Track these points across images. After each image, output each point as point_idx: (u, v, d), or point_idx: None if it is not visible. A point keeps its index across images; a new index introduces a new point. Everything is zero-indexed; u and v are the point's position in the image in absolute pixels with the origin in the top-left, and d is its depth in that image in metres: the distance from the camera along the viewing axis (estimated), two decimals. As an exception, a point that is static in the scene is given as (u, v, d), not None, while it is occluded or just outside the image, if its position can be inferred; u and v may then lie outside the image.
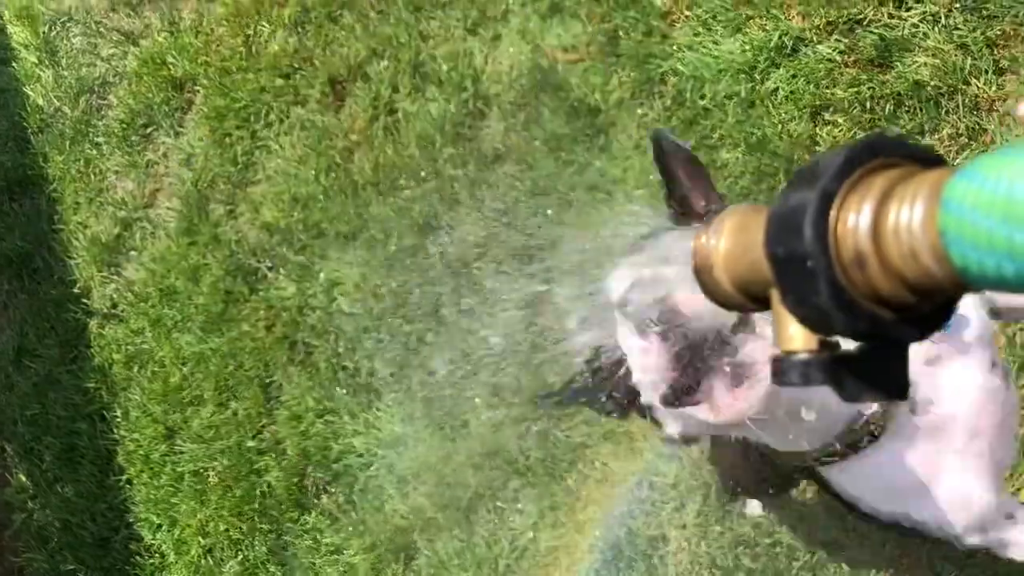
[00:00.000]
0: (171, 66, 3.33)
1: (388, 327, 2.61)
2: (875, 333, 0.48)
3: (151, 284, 3.15)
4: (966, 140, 2.09)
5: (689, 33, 2.43)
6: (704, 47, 2.39)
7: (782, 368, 0.53)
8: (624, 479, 2.24)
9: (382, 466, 2.54)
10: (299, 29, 3.07)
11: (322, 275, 2.77)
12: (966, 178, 0.40)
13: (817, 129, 2.20)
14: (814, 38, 2.27)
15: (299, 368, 2.76)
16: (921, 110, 2.12)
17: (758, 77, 2.30)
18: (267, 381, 2.82)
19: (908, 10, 2.21)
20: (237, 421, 2.85)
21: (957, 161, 2.06)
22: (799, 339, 0.52)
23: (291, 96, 3.01)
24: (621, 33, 2.53)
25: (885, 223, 0.44)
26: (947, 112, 2.11)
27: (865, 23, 2.24)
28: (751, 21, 2.37)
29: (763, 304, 0.55)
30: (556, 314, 2.40)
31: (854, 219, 0.45)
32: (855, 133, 2.15)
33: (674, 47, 2.44)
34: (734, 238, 0.57)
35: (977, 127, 2.08)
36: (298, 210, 2.88)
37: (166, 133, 3.31)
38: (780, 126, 2.23)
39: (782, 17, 2.32)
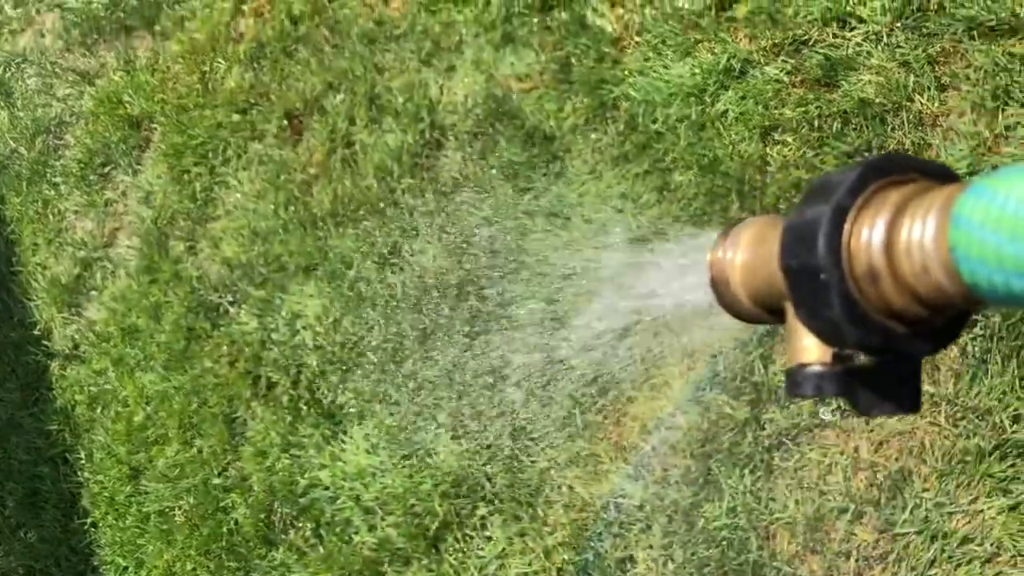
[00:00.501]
0: (127, 104, 3.33)
1: (351, 358, 2.60)
2: (888, 347, 0.48)
3: (112, 324, 3.13)
4: (912, 155, 2.13)
5: (640, 58, 2.47)
6: (655, 72, 2.43)
7: (796, 380, 0.53)
8: (591, 502, 2.25)
9: (349, 498, 2.52)
10: (255, 65, 3.08)
11: (284, 309, 2.77)
12: (975, 194, 0.40)
13: (767, 149, 2.24)
14: (761, 60, 2.31)
15: (263, 403, 2.74)
16: (867, 127, 2.16)
17: (708, 100, 2.33)
18: (231, 417, 2.80)
19: (851, 30, 2.25)
20: (202, 459, 2.83)
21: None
22: (813, 352, 0.52)
23: (248, 131, 3.02)
24: (573, 60, 2.56)
25: (898, 238, 0.45)
26: (892, 128, 2.15)
27: (810, 44, 2.28)
28: (700, 45, 2.40)
29: (779, 317, 0.56)
30: (518, 340, 2.41)
31: (867, 234, 0.46)
32: (804, 152, 2.19)
33: (625, 72, 2.47)
34: (750, 251, 0.57)
35: (922, 142, 2.12)
36: (258, 244, 2.88)
37: (124, 171, 3.30)
38: (731, 147, 2.27)
39: (730, 40, 2.36)
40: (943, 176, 0.48)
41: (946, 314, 0.47)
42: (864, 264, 0.46)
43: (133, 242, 3.19)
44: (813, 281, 0.48)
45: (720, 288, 0.59)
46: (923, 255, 0.43)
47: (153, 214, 3.15)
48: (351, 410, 2.58)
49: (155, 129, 3.28)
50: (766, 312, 0.57)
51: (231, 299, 2.90)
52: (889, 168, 0.48)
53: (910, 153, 2.14)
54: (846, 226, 0.47)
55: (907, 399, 0.52)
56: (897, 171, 0.48)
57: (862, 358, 0.52)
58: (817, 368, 0.52)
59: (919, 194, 0.46)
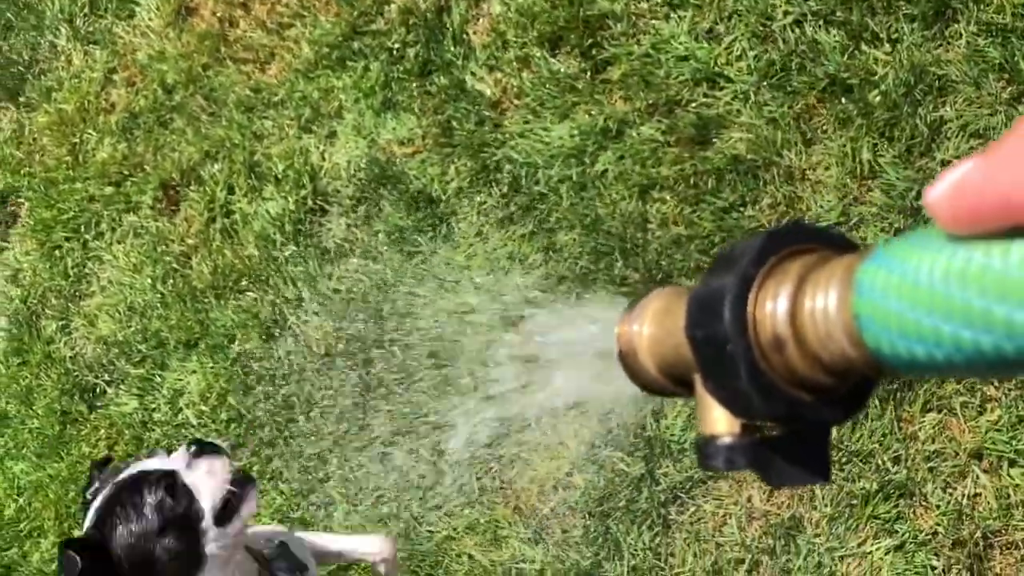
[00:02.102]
0: (-9, 179, 3.18)
1: (237, 435, 2.51)
2: (794, 416, 0.48)
3: (-21, 411, 2.95)
4: (784, 208, 2.20)
5: (520, 121, 2.50)
6: (535, 134, 2.46)
7: (707, 452, 0.52)
8: (492, 570, 2.21)
9: (241, 583, 2.42)
10: (127, 135, 2.99)
11: (165, 387, 2.66)
12: (876, 262, 0.41)
13: (647, 207, 2.28)
14: (637, 120, 2.37)
15: (146, 487, 2.61)
16: (741, 183, 2.23)
17: (588, 160, 2.37)
18: (112, 504, 2.66)
19: (721, 90, 2.33)
20: (81, 550, 2.67)
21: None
22: (723, 423, 0.52)
23: (122, 204, 2.91)
24: (455, 124, 2.57)
25: (802, 307, 0.45)
26: (764, 183, 2.22)
27: (683, 104, 2.35)
28: (577, 107, 2.45)
29: (687, 388, 0.55)
30: (410, 407, 2.37)
31: (772, 304, 0.46)
32: (682, 209, 2.24)
33: (506, 135, 2.50)
34: (657, 322, 0.57)
35: (793, 195, 2.20)
36: (136, 320, 2.77)
37: (-11, 249, 3.15)
38: (612, 206, 2.30)
39: (606, 102, 2.42)
40: (843, 245, 0.49)
41: (851, 382, 0.47)
42: (769, 333, 0.46)
43: (1, 323, 3.03)
44: (720, 351, 0.48)
45: (628, 360, 0.60)
46: (827, 322, 0.44)
47: (22, 293, 3.00)
48: (240, 489, 2.48)
49: (22, 204, 3.14)
50: (675, 384, 0.58)
51: (108, 379, 2.77)
52: (791, 238, 0.49)
53: (799, 216, 2.21)
54: (751, 295, 0.47)
55: (816, 468, 0.51)
56: (799, 240, 0.49)
57: (771, 429, 0.52)
58: (727, 440, 0.52)
59: (821, 263, 0.46)
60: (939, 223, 0.37)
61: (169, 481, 1.33)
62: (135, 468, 1.38)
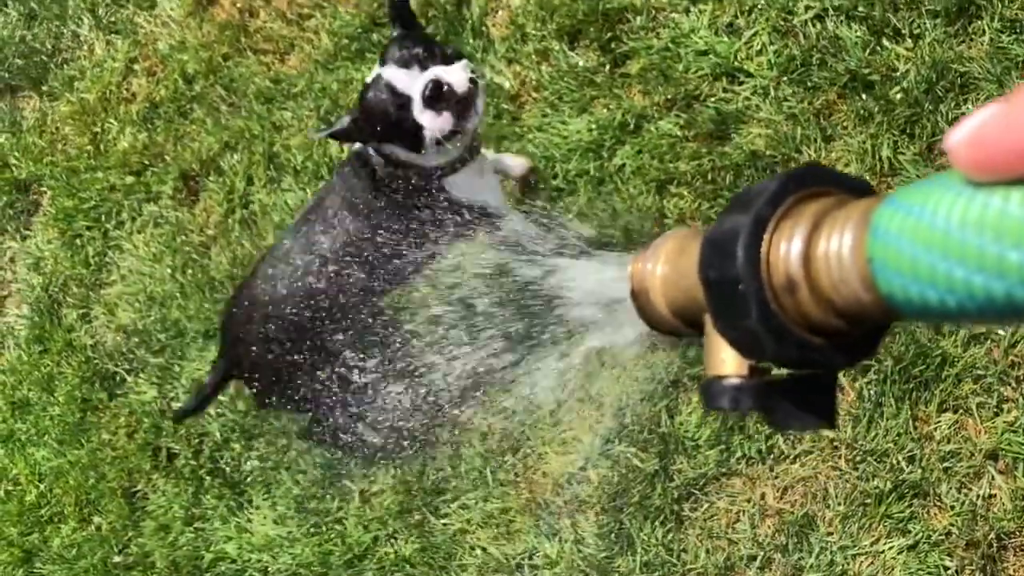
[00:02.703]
0: (14, 168, 3.21)
1: (254, 425, 2.53)
2: (804, 359, 0.48)
3: (1, 398, 2.99)
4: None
5: (538, 114, 2.49)
6: (553, 127, 2.46)
7: (713, 393, 0.52)
8: (505, 563, 2.22)
9: (257, 571, 2.44)
10: (148, 125, 3.01)
11: (183, 376, 2.68)
12: (893, 206, 0.41)
13: (664, 202, 2.28)
14: (655, 115, 2.36)
15: (164, 475, 2.64)
16: (759, 179, 2.22)
17: (605, 155, 2.37)
18: (131, 491, 2.69)
19: (740, 84, 2.32)
20: (101, 536, 2.71)
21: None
22: (731, 364, 0.52)
23: (143, 193, 2.94)
24: (472, 117, 2.57)
25: (816, 249, 0.45)
26: (783, 180, 2.21)
27: (701, 98, 2.34)
28: (596, 101, 2.44)
29: (698, 329, 0.55)
30: (427, 396, 2.38)
31: (786, 245, 0.46)
32: (699, 204, 2.23)
33: (524, 128, 2.49)
34: (671, 263, 0.57)
35: (811, 192, 2.19)
36: (155, 310, 2.79)
37: (11, 237, 3.18)
38: (629, 201, 2.30)
39: (624, 96, 2.41)
40: (860, 189, 0.48)
41: (863, 327, 0.47)
42: (782, 275, 0.46)
43: (22, 311, 3.06)
44: (732, 292, 0.48)
45: (640, 300, 0.59)
46: (840, 266, 0.44)
47: (43, 281, 3.03)
48: (256, 479, 2.50)
49: (44, 192, 3.17)
50: (685, 324, 0.57)
51: (128, 367, 2.80)
52: (808, 180, 0.48)
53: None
54: (765, 237, 0.47)
55: (822, 414, 0.52)
56: (816, 183, 0.48)
57: (779, 371, 0.52)
58: (734, 381, 0.52)
59: (837, 206, 0.46)
60: (959, 168, 0.37)
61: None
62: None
